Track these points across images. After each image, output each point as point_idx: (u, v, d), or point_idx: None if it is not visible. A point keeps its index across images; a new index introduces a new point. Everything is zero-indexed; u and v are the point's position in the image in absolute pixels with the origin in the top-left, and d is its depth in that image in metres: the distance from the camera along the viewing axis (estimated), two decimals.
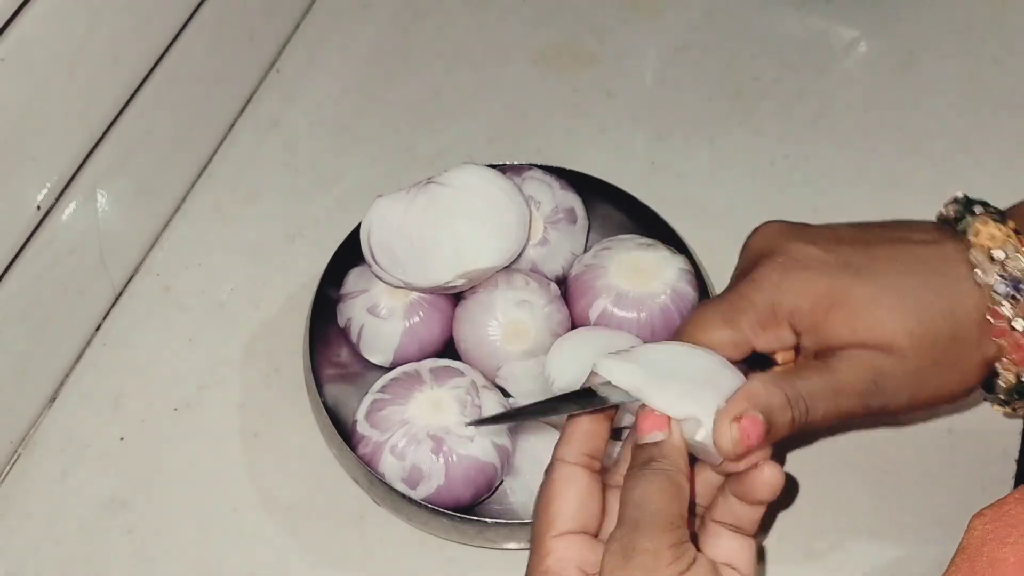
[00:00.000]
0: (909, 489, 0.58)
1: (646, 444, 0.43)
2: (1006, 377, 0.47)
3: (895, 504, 0.58)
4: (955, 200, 0.49)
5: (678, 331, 0.49)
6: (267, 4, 0.74)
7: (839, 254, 0.47)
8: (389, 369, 0.58)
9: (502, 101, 0.75)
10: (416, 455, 0.54)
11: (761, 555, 0.56)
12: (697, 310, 0.49)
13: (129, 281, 0.66)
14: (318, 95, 0.75)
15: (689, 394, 0.44)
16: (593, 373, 0.45)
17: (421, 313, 0.58)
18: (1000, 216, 0.47)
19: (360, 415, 0.55)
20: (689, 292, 0.59)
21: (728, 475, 0.44)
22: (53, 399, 0.61)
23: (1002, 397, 0.48)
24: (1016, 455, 0.59)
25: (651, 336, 0.58)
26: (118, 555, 0.56)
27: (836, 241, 0.48)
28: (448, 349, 0.59)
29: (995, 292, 0.46)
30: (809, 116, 0.74)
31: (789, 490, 0.58)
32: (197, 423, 0.61)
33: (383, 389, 0.56)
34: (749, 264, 0.48)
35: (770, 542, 0.57)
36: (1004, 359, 0.47)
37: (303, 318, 0.59)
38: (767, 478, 0.43)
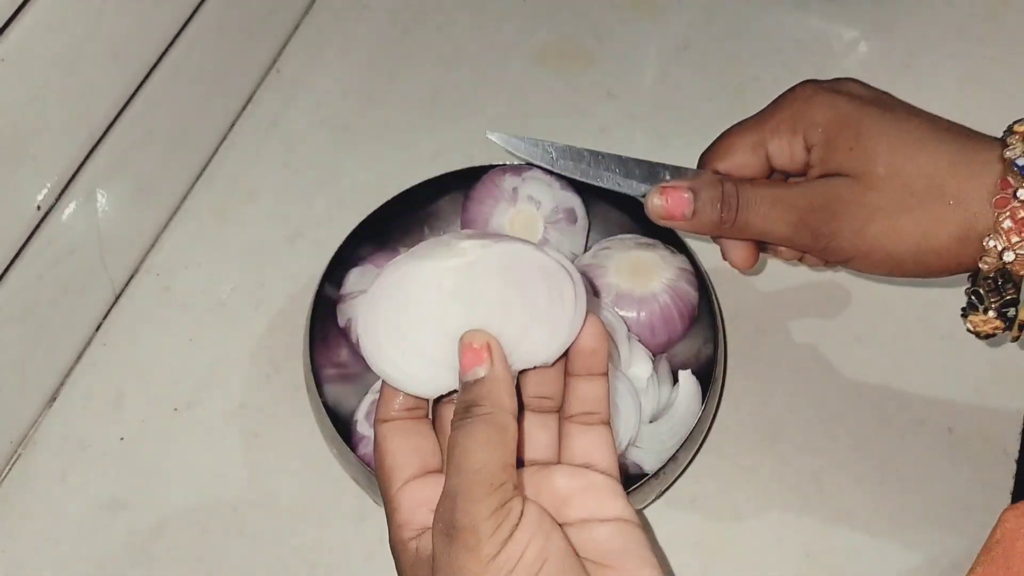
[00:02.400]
0: (909, 489, 0.58)
1: (467, 383, 0.40)
2: (989, 257, 0.46)
3: (895, 504, 0.58)
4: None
5: (714, 141, 0.53)
6: (267, 4, 0.74)
7: (879, 96, 0.50)
8: None
9: (502, 101, 0.75)
10: None
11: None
12: (736, 125, 0.53)
13: (129, 281, 0.66)
14: (318, 95, 0.75)
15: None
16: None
17: None
18: None
19: (360, 415, 0.56)
20: (689, 292, 0.59)
21: None
22: (53, 399, 0.61)
23: (979, 290, 0.47)
24: (1016, 455, 0.59)
25: (651, 335, 0.58)
26: (118, 555, 0.56)
27: (885, 93, 0.50)
28: None
29: (1015, 166, 0.46)
30: None
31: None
32: (197, 423, 0.61)
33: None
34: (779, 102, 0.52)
35: (770, 542, 0.57)
36: (997, 231, 0.46)
37: (303, 318, 0.59)
38: (588, 329, 0.43)
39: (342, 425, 0.55)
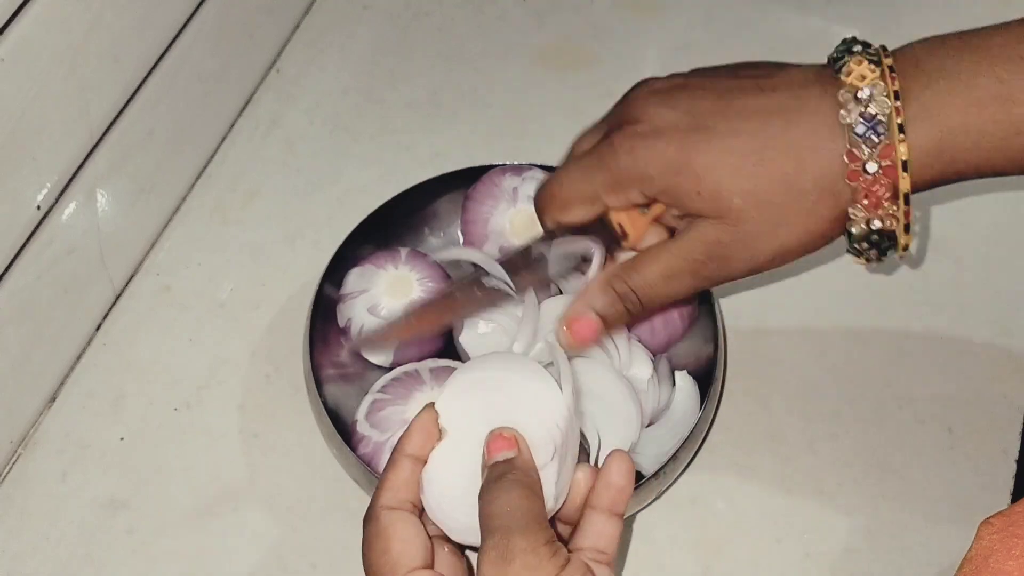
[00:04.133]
0: (909, 489, 0.58)
1: (497, 463, 0.44)
2: (857, 224, 0.47)
3: (895, 504, 0.58)
4: (843, 40, 0.48)
5: (542, 183, 0.52)
6: (267, 4, 0.74)
7: (695, 115, 0.48)
8: (389, 369, 0.58)
9: (502, 101, 0.75)
10: None
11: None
12: (562, 166, 0.51)
13: (129, 281, 0.66)
14: (318, 95, 0.75)
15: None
16: None
17: None
18: (877, 56, 0.46)
19: (360, 415, 0.56)
20: None
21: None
22: (53, 399, 0.61)
23: (855, 246, 0.48)
24: (1016, 455, 0.59)
25: (650, 335, 0.58)
26: (118, 555, 0.56)
27: (699, 96, 0.48)
28: (448, 349, 0.59)
29: (854, 133, 0.45)
30: None
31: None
32: (197, 423, 0.61)
33: (383, 389, 0.56)
34: (615, 122, 0.50)
35: (770, 542, 0.57)
36: (857, 204, 0.46)
37: (303, 318, 0.59)
38: (616, 466, 0.45)
39: (342, 425, 0.55)
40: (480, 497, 0.43)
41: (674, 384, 0.58)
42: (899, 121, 0.45)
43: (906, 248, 0.48)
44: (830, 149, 0.46)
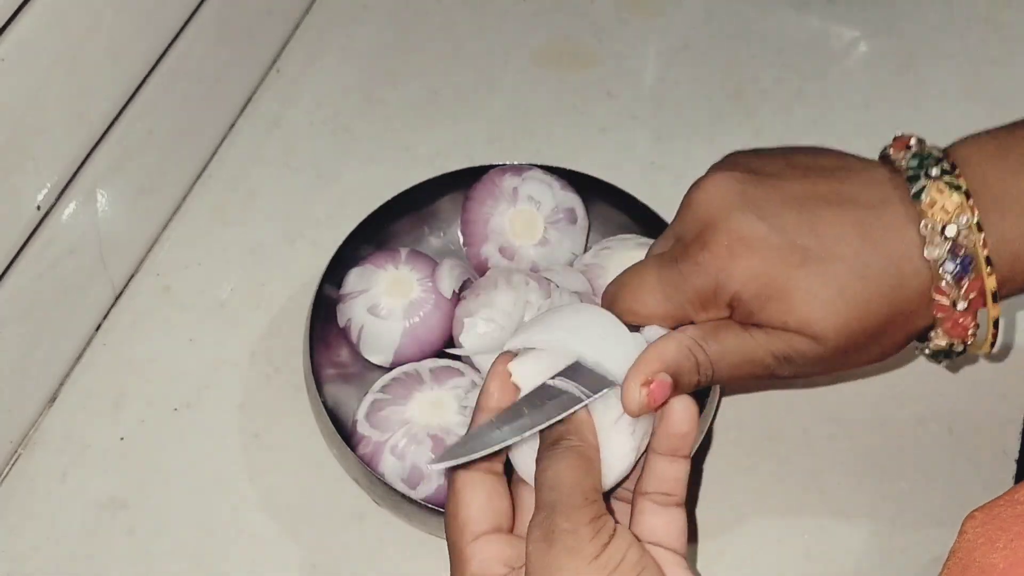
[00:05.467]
0: (909, 489, 0.58)
1: (554, 424, 0.43)
2: (937, 343, 0.47)
3: (895, 504, 0.58)
4: (907, 147, 0.47)
5: (616, 292, 0.48)
6: (267, 4, 0.74)
7: (784, 231, 0.45)
8: (389, 369, 0.58)
9: (502, 101, 0.75)
10: (416, 455, 0.54)
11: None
12: (637, 275, 0.48)
13: (129, 281, 0.66)
14: (318, 95, 0.75)
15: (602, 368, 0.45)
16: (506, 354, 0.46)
17: (421, 313, 0.58)
18: (952, 175, 0.45)
19: (360, 415, 0.56)
20: None
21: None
22: (53, 399, 0.61)
23: (928, 352, 0.48)
24: (1016, 455, 0.59)
25: None
26: (118, 555, 0.56)
27: (779, 202, 0.46)
28: (448, 348, 0.59)
29: (943, 270, 0.45)
30: (809, 116, 0.74)
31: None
32: (197, 423, 0.61)
33: (383, 389, 0.56)
34: (692, 229, 0.47)
35: (770, 542, 0.57)
36: (939, 329, 0.46)
37: (303, 318, 0.59)
38: (680, 412, 0.44)
39: (342, 425, 0.55)
40: (536, 462, 0.43)
41: None
42: (986, 254, 0.45)
43: (993, 344, 0.48)
44: (916, 284, 0.45)
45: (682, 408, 0.44)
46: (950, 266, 0.45)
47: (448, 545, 0.44)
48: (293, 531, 0.57)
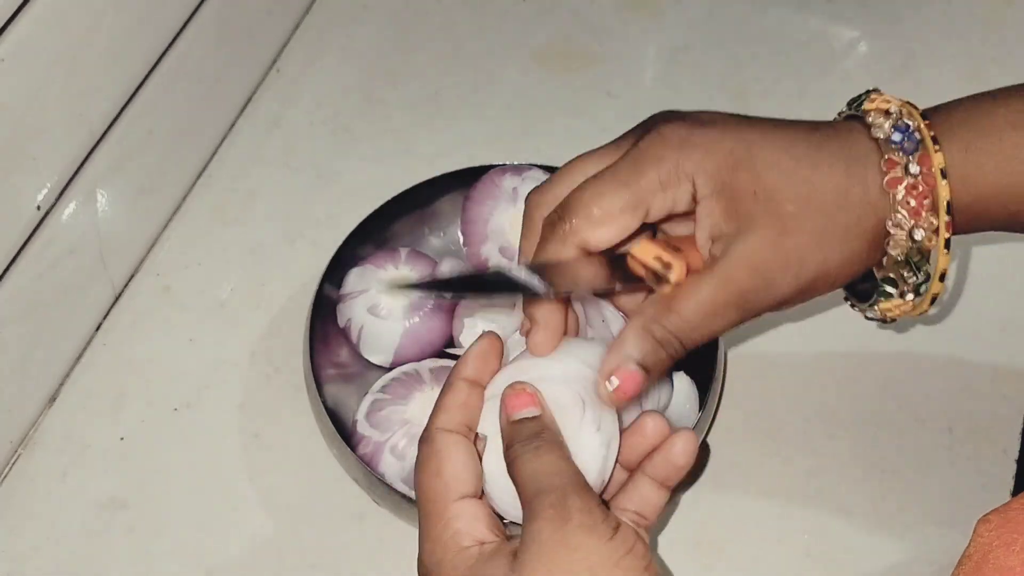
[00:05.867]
0: (909, 489, 0.58)
1: (521, 419, 0.43)
2: (898, 239, 0.45)
3: (895, 504, 0.58)
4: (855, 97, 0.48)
5: (573, 196, 0.45)
6: (267, 4, 0.74)
7: (743, 118, 0.46)
8: (389, 369, 0.58)
9: (502, 101, 0.75)
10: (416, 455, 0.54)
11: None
12: (594, 177, 0.45)
13: (129, 281, 0.66)
14: (318, 95, 0.75)
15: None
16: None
17: (421, 313, 0.58)
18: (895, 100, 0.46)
19: (360, 415, 0.56)
20: None
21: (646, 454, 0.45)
22: (53, 399, 0.61)
23: (891, 275, 0.46)
24: (1016, 455, 0.59)
25: None
26: (118, 555, 0.56)
27: (734, 115, 0.46)
28: (448, 347, 0.59)
29: (891, 142, 0.45)
30: (809, 116, 0.74)
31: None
32: (197, 423, 0.61)
33: (383, 389, 0.56)
34: (649, 126, 0.45)
35: (770, 542, 0.57)
36: (897, 215, 0.44)
37: (303, 318, 0.59)
38: (681, 446, 0.44)
39: (342, 425, 0.55)
40: (513, 460, 0.42)
41: (672, 385, 0.58)
42: (932, 134, 0.44)
43: (943, 278, 0.46)
44: (870, 162, 0.45)
45: (684, 441, 0.44)
46: (896, 136, 0.45)
47: (425, 505, 0.44)
48: (293, 531, 0.57)
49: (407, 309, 0.58)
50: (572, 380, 0.44)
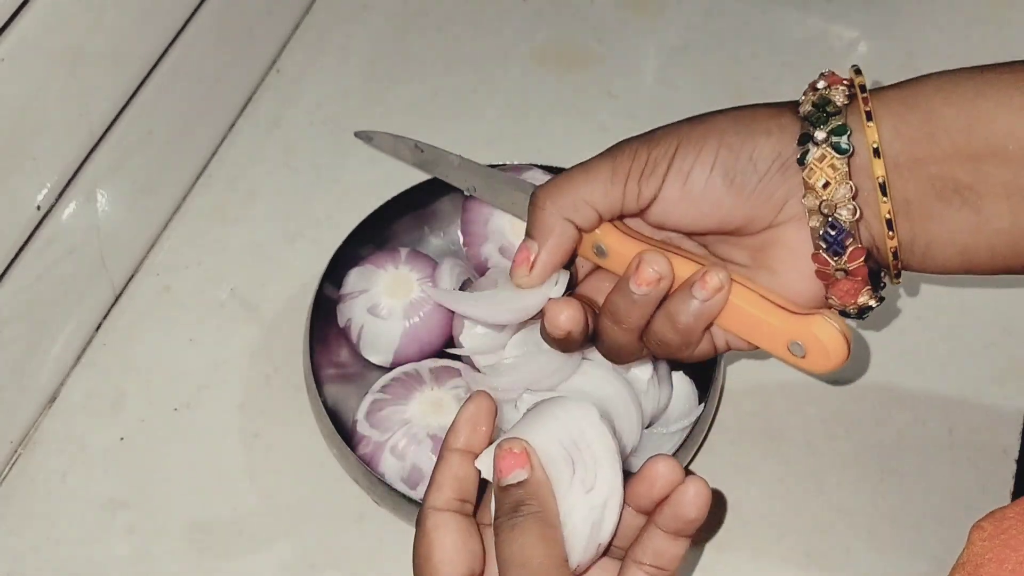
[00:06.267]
0: (909, 489, 0.58)
1: (510, 486, 0.42)
2: (807, 99, 0.46)
3: (895, 504, 0.58)
4: (814, 89, 0.47)
5: (550, 192, 0.48)
6: (267, 4, 0.74)
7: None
8: (389, 369, 0.58)
9: (502, 101, 0.75)
10: (416, 455, 0.54)
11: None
12: (568, 173, 0.49)
13: (129, 281, 0.66)
14: (318, 95, 0.75)
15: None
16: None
17: (421, 313, 0.58)
18: (845, 147, 0.44)
19: (360, 415, 0.56)
20: None
21: (655, 505, 0.43)
22: (53, 399, 0.61)
23: (808, 132, 0.45)
24: (1016, 455, 0.59)
25: None
26: (118, 555, 0.56)
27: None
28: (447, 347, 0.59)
29: (822, 241, 0.44)
30: None
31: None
32: (197, 423, 0.61)
33: (383, 389, 0.56)
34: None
35: (770, 542, 0.57)
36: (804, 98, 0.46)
37: (303, 318, 0.59)
38: (691, 497, 0.42)
39: (342, 425, 0.55)
40: (496, 533, 0.41)
41: (672, 385, 0.58)
42: (881, 179, 0.44)
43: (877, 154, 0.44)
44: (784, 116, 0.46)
45: (695, 493, 0.42)
46: (826, 241, 0.44)
47: None
48: (293, 531, 0.57)
49: (407, 309, 0.58)
50: (562, 436, 0.43)
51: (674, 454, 0.53)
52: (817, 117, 0.44)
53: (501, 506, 0.42)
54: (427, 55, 0.77)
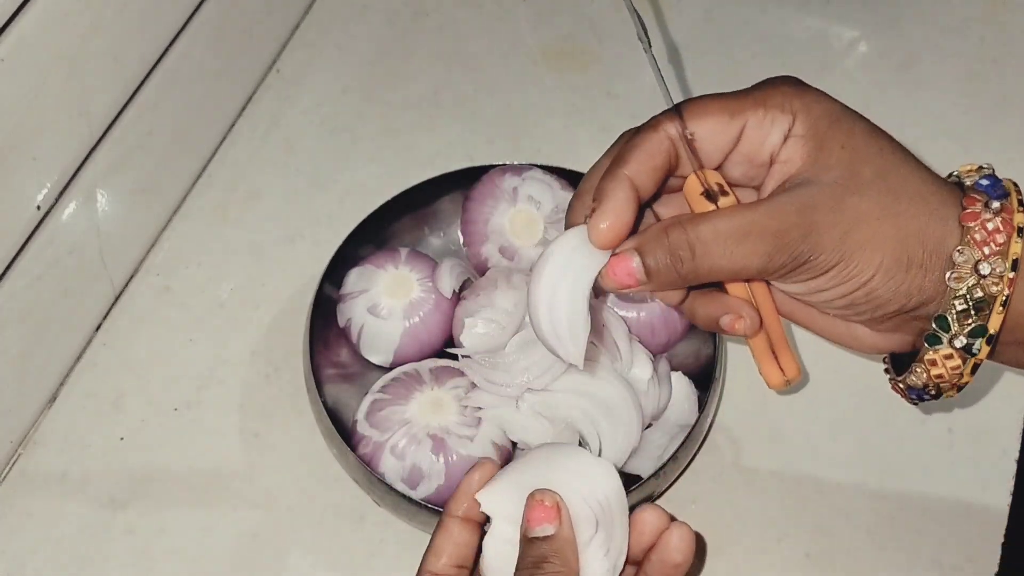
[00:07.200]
0: (909, 489, 0.58)
1: (535, 539, 0.42)
2: (961, 273, 0.41)
3: (895, 504, 0.58)
4: (977, 270, 0.42)
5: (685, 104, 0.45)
6: (267, 4, 0.74)
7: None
8: (389, 369, 0.58)
9: (502, 101, 0.75)
10: (416, 455, 0.54)
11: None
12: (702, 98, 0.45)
13: (129, 281, 0.66)
14: (318, 95, 0.75)
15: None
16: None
17: (421, 313, 0.58)
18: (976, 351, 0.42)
19: (360, 415, 0.56)
20: None
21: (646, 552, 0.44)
22: (53, 399, 0.61)
23: (947, 316, 0.42)
24: (1016, 455, 0.59)
25: (651, 335, 0.58)
26: (118, 555, 0.56)
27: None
28: (447, 347, 0.59)
29: (978, 185, 0.43)
30: None
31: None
32: (197, 423, 0.61)
33: (383, 389, 0.56)
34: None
35: (770, 542, 0.57)
36: (964, 246, 0.41)
37: (303, 318, 0.59)
38: (676, 542, 0.43)
39: (342, 425, 0.55)
40: None
41: (672, 385, 0.58)
42: (1019, 197, 0.42)
43: (991, 341, 0.42)
44: (952, 198, 0.42)
45: (679, 538, 0.43)
46: (984, 182, 0.43)
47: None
48: (293, 531, 0.57)
49: (407, 309, 0.58)
50: (588, 495, 0.43)
51: (674, 454, 0.53)
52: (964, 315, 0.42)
53: (524, 558, 0.42)
54: (427, 55, 0.78)
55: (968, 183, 0.43)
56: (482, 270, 0.61)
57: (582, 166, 0.63)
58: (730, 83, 0.76)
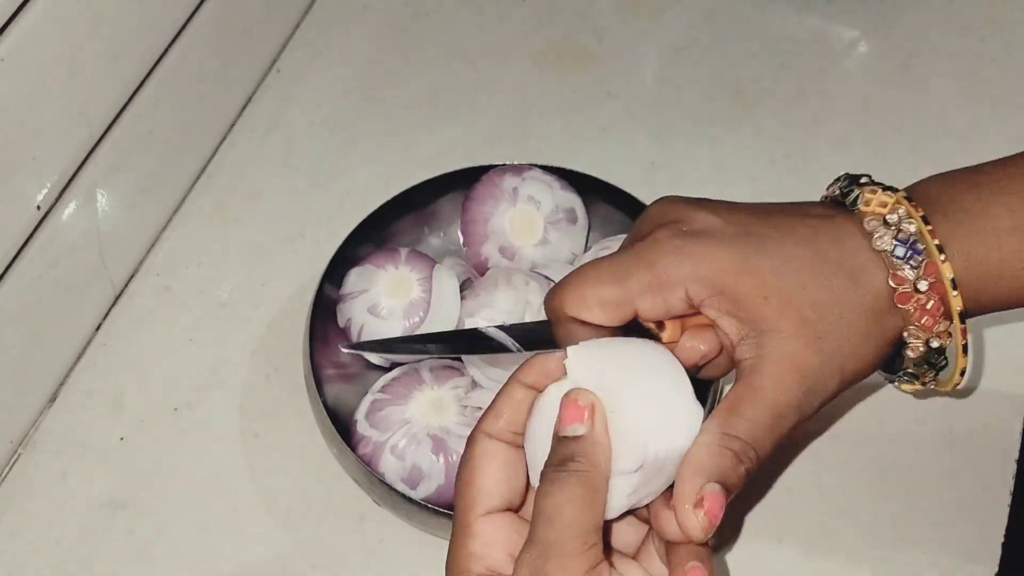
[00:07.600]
0: (909, 489, 0.58)
1: (566, 438, 0.40)
2: (915, 346, 0.45)
3: (895, 504, 0.58)
4: (838, 179, 0.47)
5: (561, 284, 0.45)
6: (267, 4, 0.74)
7: (740, 224, 0.44)
8: (389, 369, 0.58)
9: (502, 101, 0.75)
10: (416, 455, 0.54)
11: None
12: (586, 264, 0.45)
13: (129, 281, 0.66)
14: (318, 95, 0.75)
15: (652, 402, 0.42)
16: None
17: (421, 313, 0.58)
18: (888, 188, 0.46)
19: (360, 415, 0.56)
20: None
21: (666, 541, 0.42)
22: (53, 399, 0.61)
23: (911, 371, 0.46)
24: (1016, 455, 0.59)
25: None
26: (118, 555, 0.56)
27: (736, 211, 0.46)
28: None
29: (895, 256, 0.44)
30: (809, 116, 0.74)
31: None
32: (197, 423, 0.61)
33: (383, 389, 0.56)
34: (646, 230, 0.46)
35: (770, 542, 0.57)
36: (911, 327, 0.44)
37: (303, 318, 0.59)
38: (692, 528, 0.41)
39: (342, 425, 0.55)
40: (540, 480, 0.40)
41: None
42: (936, 242, 0.44)
43: (963, 373, 0.46)
44: (876, 274, 0.44)
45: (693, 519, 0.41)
46: (900, 251, 0.44)
47: (454, 512, 0.42)
48: (293, 531, 0.57)
49: (407, 309, 0.58)
50: (653, 443, 0.41)
51: None
52: (923, 367, 0.46)
53: (553, 455, 0.40)
54: (427, 55, 0.77)
55: (883, 247, 0.44)
56: (482, 270, 0.61)
57: (582, 166, 0.63)
58: (730, 83, 0.76)
